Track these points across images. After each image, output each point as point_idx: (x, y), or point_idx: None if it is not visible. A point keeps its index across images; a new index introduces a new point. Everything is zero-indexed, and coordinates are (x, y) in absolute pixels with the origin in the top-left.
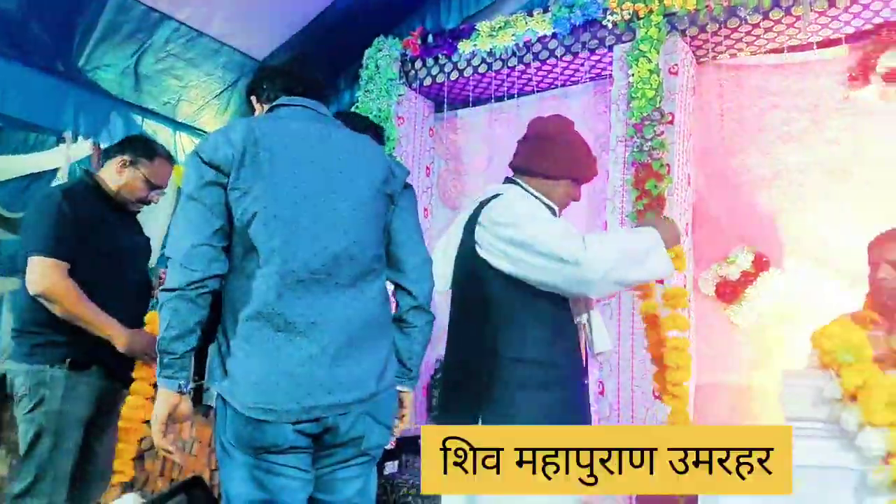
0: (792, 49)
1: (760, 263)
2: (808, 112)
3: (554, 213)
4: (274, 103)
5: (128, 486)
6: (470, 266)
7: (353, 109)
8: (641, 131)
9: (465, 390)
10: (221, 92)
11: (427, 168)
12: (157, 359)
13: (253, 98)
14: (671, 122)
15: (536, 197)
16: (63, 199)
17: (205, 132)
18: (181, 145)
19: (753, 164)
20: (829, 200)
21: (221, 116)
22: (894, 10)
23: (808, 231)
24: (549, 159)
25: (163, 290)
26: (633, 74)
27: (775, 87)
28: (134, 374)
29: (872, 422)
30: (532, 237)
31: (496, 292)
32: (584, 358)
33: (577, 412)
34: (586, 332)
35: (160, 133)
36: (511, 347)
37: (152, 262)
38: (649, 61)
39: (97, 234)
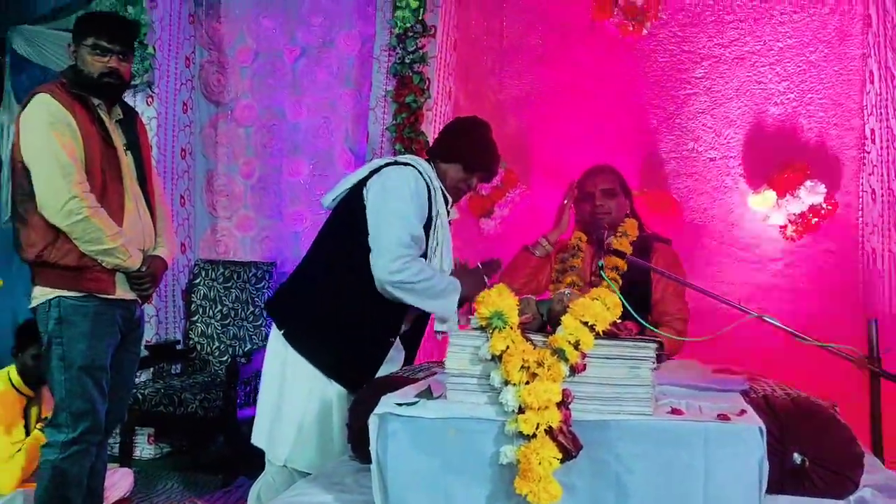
0: None
1: (510, 179)
2: (559, 36)
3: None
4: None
5: None
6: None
7: None
8: (404, 43)
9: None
10: None
11: (187, 58)
12: None
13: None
14: (434, 36)
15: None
16: None
17: None
18: None
19: (510, 83)
20: (573, 122)
21: None
22: None
23: (553, 149)
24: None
25: None
26: None
27: (533, 9)
28: None
29: (510, 381)
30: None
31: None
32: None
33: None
34: None
35: None
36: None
37: None
38: None
39: None
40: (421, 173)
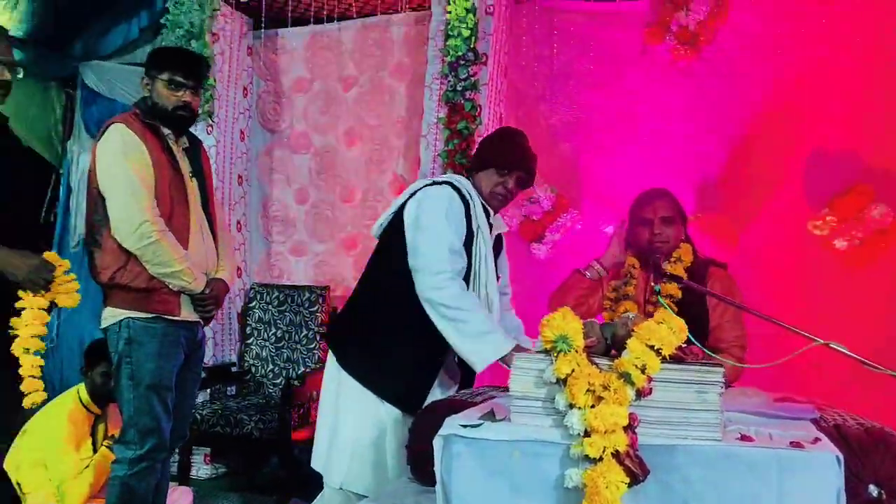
0: None
1: (561, 204)
2: (610, 61)
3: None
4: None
5: None
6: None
7: (162, 21)
8: (456, 71)
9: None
10: None
11: (245, 89)
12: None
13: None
14: (485, 63)
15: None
16: None
17: None
18: None
19: (561, 108)
20: (625, 147)
21: (11, 13)
22: None
23: (604, 175)
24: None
25: None
26: (450, 11)
27: (583, 35)
28: (19, 321)
29: (576, 404)
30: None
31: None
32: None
33: None
34: None
35: None
36: None
37: None
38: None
39: None
40: (458, 190)
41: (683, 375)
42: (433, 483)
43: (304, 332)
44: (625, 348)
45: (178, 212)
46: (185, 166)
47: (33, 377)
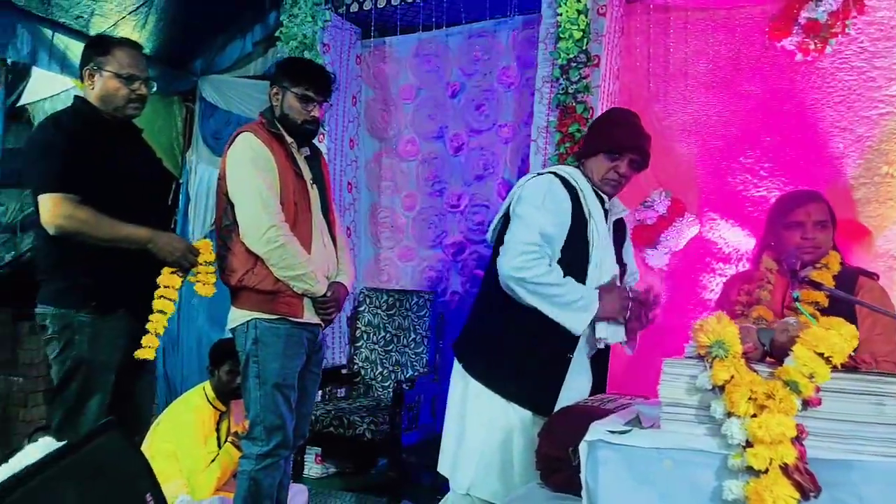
0: None
1: (677, 208)
2: (730, 60)
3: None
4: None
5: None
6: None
7: (276, 34)
8: (567, 73)
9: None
10: (138, 7)
11: (354, 97)
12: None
13: None
14: (597, 65)
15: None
16: (55, 129)
17: None
18: None
19: (676, 110)
20: (745, 150)
21: (140, 33)
22: None
23: (723, 179)
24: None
25: None
26: (560, 14)
27: (701, 33)
28: (160, 281)
29: (735, 412)
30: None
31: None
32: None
33: None
34: None
35: (73, 48)
36: None
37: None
38: (578, 1)
39: (98, 157)
40: (562, 179)
41: (858, 385)
42: (563, 489)
43: (413, 335)
44: (786, 355)
45: (301, 218)
46: (306, 174)
47: (156, 335)
